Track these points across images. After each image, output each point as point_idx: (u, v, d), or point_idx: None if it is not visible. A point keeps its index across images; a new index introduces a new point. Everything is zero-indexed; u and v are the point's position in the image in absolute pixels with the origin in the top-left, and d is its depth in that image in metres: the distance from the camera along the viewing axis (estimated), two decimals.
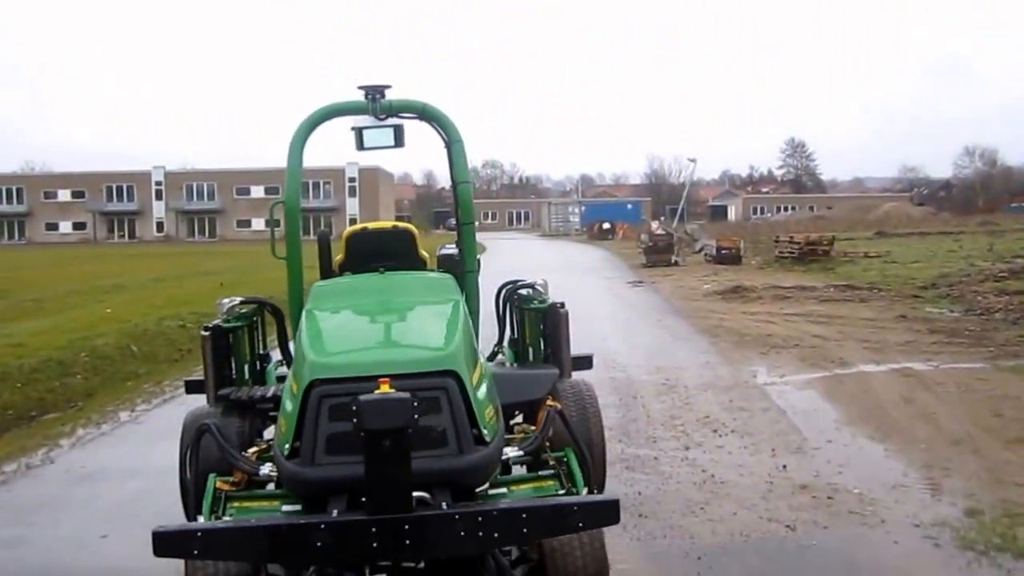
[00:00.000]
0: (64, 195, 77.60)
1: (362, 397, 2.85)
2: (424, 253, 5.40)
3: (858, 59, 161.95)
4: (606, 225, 56.15)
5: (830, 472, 5.58)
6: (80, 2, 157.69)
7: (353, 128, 5.10)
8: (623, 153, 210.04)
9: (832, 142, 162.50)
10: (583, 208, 76.15)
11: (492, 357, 5.69)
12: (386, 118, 4.98)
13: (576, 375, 4.88)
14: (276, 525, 3.05)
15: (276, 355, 5.64)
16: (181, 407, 8.18)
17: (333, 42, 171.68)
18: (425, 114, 5.04)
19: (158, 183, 77.19)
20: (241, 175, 76.91)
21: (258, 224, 75.52)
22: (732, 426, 6.76)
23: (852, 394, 7.81)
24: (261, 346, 5.48)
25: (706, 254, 26.27)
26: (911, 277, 17.33)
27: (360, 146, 5.12)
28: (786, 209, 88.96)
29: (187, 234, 76.45)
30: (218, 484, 3.61)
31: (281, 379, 5.06)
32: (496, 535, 3.03)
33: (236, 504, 3.49)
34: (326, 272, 5.38)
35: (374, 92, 4.96)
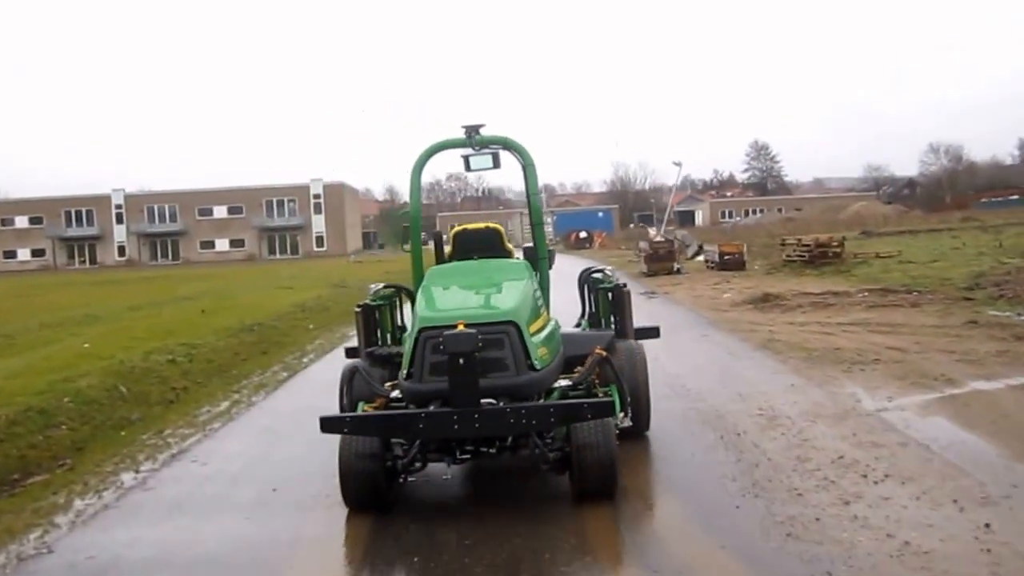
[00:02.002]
0: (22, 221, 75.19)
1: (445, 332, 4.88)
2: (509, 245, 7.31)
3: (816, 61, 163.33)
4: (583, 234, 55.33)
5: None
6: (31, 25, 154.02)
7: (462, 156, 7.01)
8: (584, 162, 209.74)
9: (790, 144, 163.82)
10: (555, 218, 75.18)
11: (577, 326, 7.84)
12: (480, 148, 6.92)
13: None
14: (396, 414, 5.32)
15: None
16: (193, 465, 6.90)
17: (280, 57, 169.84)
18: (507, 145, 6.98)
19: (118, 206, 75.01)
20: (203, 195, 75.03)
21: (222, 245, 73.77)
22: (880, 468, 5.58)
23: (989, 419, 6.68)
24: (399, 318, 7.72)
25: (708, 260, 25.26)
26: (943, 278, 16.36)
27: (468, 168, 7.13)
28: (754, 212, 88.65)
29: (150, 257, 74.29)
30: (364, 407, 5.63)
31: None
32: (534, 422, 5.00)
33: None
34: (439, 259, 7.42)
35: (472, 130, 6.87)
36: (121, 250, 74.83)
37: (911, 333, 10.78)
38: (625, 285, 7.17)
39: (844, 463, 5.74)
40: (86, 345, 13.30)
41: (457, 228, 7.52)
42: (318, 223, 75.82)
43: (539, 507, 5.37)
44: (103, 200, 74.71)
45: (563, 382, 5.73)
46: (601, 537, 4.86)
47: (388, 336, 7.28)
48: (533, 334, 5.41)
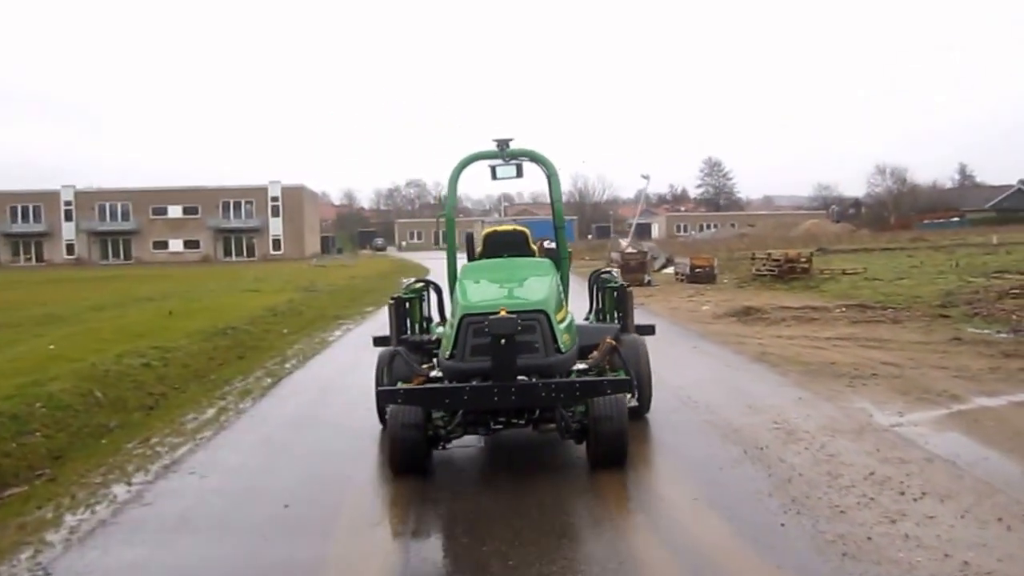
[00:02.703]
0: None
1: (490, 316, 5.79)
2: (533, 246, 8.10)
3: (770, 81, 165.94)
4: (548, 243, 54.94)
5: None
6: None
7: (489, 167, 7.88)
8: (540, 172, 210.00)
9: (742, 162, 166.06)
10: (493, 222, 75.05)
11: (585, 320, 8.54)
12: (509, 160, 7.79)
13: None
14: (443, 387, 6.09)
15: (436, 317, 8.57)
16: (192, 477, 6.53)
17: (239, 58, 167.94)
18: (533, 158, 7.94)
19: (68, 203, 72.97)
20: (157, 194, 73.42)
21: (176, 245, 72.21)
22: (914, 485, 5.48)
23: (1005, 436, 6.65)
24: (427, 310, 8.49)
25: (678, 273, 25.26)
26: (914, 295, 16.51)
27: (494, 177, 7.96)
28: (709, 227, 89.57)
29: (100, 256, 72.35)
30: (403, 387, 6.34)
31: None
32: (562, 395, 5.95)
33: None
34: (471, 257, 8.19)
35: (503, 143, 7.75)
36: (70, 248, 72.84)
37: (900, 349, 10.79)
38: (628, 285, 8.30)
39: (877, 479, 5.63)
40: (51, 347, 12.74)
41: (488, 230, 8.32)
42: (276, 226, 74.59)
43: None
44: (52, 196, 72.66)
45: (580, 365, 6.56)
46: (646, 554, 4.66)
47: (416, 326, 8.15)
48: (559, 322, 6.32)
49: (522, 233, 8.12)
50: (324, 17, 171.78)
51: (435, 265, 46.62)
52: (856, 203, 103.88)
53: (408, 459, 6.12)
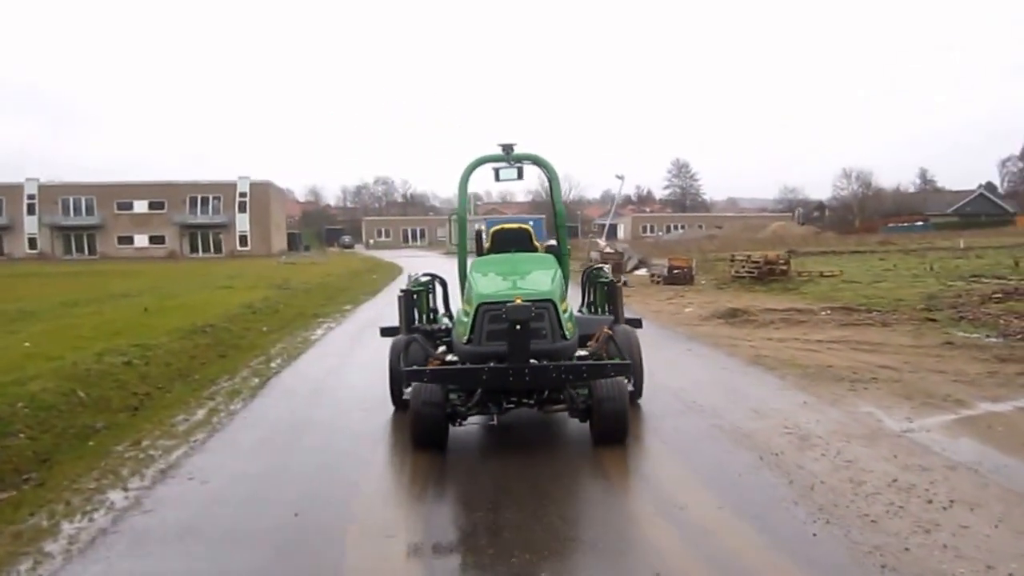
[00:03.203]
0: None
1: (507, 304, 6.35)
2: (537, 243, 8.81)
3: (737, 82, 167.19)
4: (551, 241, 54.68)
5: None
6: None
7: (494, 169, 8.56)
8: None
9: (706, 164, 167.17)
10: (487, 225, 74.66)
11: (579, 311, 9.10)
12: (513, 163, 8.47)
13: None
14: (464, 368, 6.68)
15: (442, 308, 9.42)
16: (192, 483, 6.27)
17: (206, 53, 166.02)
18: (536, 161, 8.60)
19: (31, 196, 71.42)
20: (122, 189, 72.10)
21: (141, 241, 71.01)
22: (941, 493, 5.40)
23: (1020, 442, 6.59)
24: (432, 302, 9.17)
25: (654, 274, 25.20)
26: (896, 298, 16.54)
27: (497, 179, 8.72)
28: (675, 228, 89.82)
29: (63, 251, 70.88)
30: (429, 367, 6.92)
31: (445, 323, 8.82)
32: (571, 376, 6.55)
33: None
34: (480, 252, 8.74)
35: (507, 148, 8.44)
36: (32, 242, 71.24)
37: (895, 352, 10.77)
38: (619, 280, 9.39)
39: (901, 487, 5.54)
40: (27, 344, 12.36)
41: (495, 228, 8.93)
42: (243, 222, 73.61)
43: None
44: (15, 189, 71.03)
45: (581, 352, 7.21)
46: (681, 569, 4.52)
47: (423, 317, 8.83)
48: (564, 311, 7.02)
49: (526, 231, 8.81)
50: (287, 13, 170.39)
51: (408, 263, 46.40)
52: (820, 206, 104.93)
53: (429, 434, 6.71)
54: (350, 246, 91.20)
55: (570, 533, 5.00)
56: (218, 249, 72.78)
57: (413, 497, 5.88)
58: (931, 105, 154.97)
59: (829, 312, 15.12)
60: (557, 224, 8.69)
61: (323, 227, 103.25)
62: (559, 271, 7.60)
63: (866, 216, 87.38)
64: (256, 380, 10.51)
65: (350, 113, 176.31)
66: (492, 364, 6.57)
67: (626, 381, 6.89)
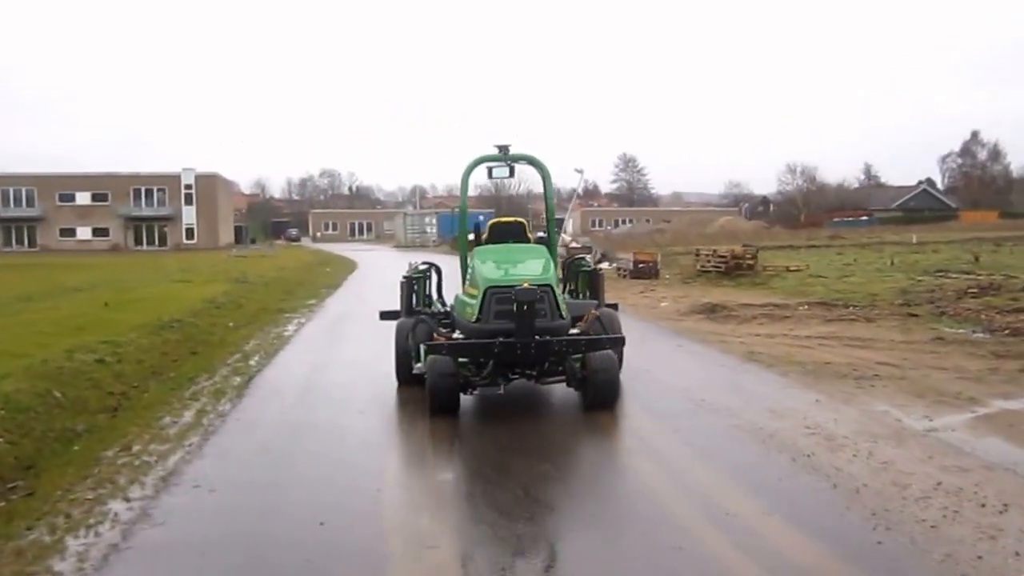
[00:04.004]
0: None
1: (516, 288, 7.38)
2: (530, 235, 9.44)
3: (681, 76, 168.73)
4: (472, 237, 54.36)
5: None
6: None
7: (480, 165, 9.29)
8: (454, 164, 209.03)
9: (651, 158, 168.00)
10: (438, 219, 73.87)
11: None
12: (508, 162, 9.25)
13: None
14: (478, 342, 7.60)
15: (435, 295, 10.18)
16: (198, 491, 5.84)
17: (152, 45, 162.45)
18: (530, 161, 9.40)
19: None
20: (64, 180, 69.89)
21: (84, 233, 68.93)
22: (990, 496, 5.27)
23: None
24: (428, 288, 9.94)
25: (620, 268, 25.10)
26: (870, 293, 16.63)
27: (490, 176, 9.59)
28: (623, 222, 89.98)
29: (3, 243, 68.38)
30: (422, 346, 8.13)
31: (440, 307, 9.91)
32: (571, 349, 7.64)
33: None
34: (478, 242, 9.37)
35: (504, 148, 9.18)
36: None
37: (889, 348, 10.72)
38: (600, 268, 10.58)
39: (948, 490, 5.39)
40: None
41: (493, 221, 9.72)
42: (189, 214, 71.81)
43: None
44: None
45: (573, 330, 8.17)
46: None
47: (420, 301, 9.66)
48: (559, 294, 8.05)
49: (521, 224, 9.48)
50: (229, 4, 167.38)
51: (360, 257, 45.76)
52: (764, 201, 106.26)
53: (444, 401, 7.60)
54: (297, 239, 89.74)
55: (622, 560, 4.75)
56: (163, 242, 71.00)
57: (441, 503, 5.57)
58: (872, 102, 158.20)
59: (807, 307, 15.11)
60: (548, 219, 9.62)
61: (269, 220, 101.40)
62: (551, 260, 8.44)
63: (811, 211, 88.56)
64: (238, 379, 10.06)
65: (294, 104, 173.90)
66: (502, 339, 7.51)
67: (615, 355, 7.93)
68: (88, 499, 5.76)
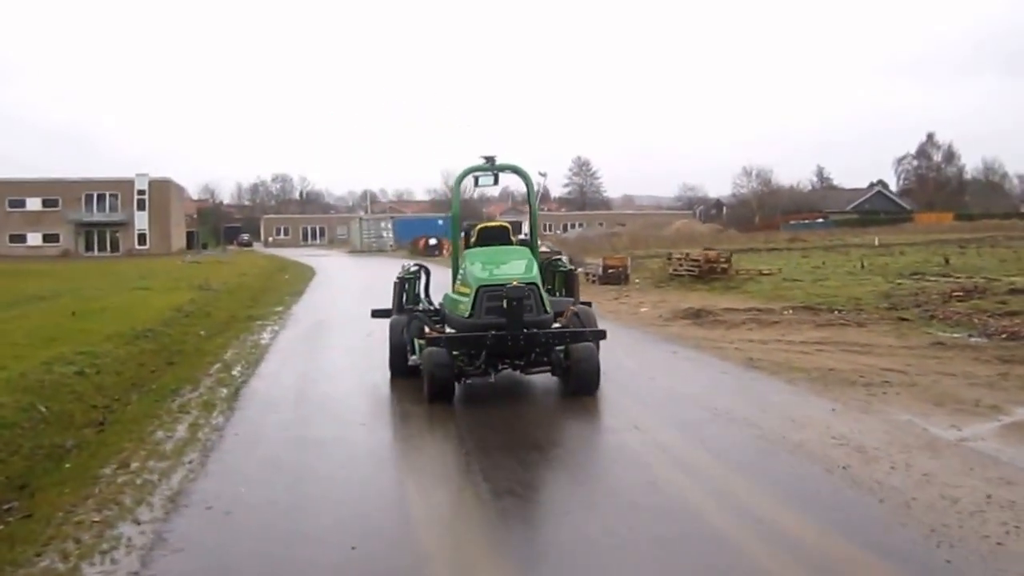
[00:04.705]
0: None
1: (507, 286, 8.32)
2: (514, 238, 10.16)
3: (633, 81, 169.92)
4: (432, 241, 54.13)
5: None
6: None
7: (473, 175, 9.99)
8: (407, 169, 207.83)
9: (602, 162, 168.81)
10: (394, 223, 73.25)
11: None
12: (494, 172, 9.98)
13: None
14: (473, 335, 8.42)
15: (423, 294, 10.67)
16: (212, 513, 5.47)
17: (102, 47, 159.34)
18: (515, 170, 10.39)
19: None
20: (13, 186, 68.17)
21: (35, 239, 67.18)
22: None
23: None
24: (418, 287, 10.58)
25: (589, 273, 24.91)
26: (852, 296, 16.64)
27: (476, 184, 10.22)
28: (577, 226, 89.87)
29: None
30: (418, 341, 9.06)
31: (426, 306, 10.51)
32: (556, 340, 8.58)
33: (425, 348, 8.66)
34: (468, 246, 9.87)
35: (490, 159, 9.87)
36: None
37: (890, 354, 10.64)
38: (575, 269, 11.30)
39: (1001, 503, 5.22)
40: None
41: (481, 226, 10.29)
42: (141, 220, 70.28)
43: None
44: None
45: (556, 324, 8.94)
46: None
47: (411, 299, 10.43)
48: (544, 292, 8.84)
49: (506, 228, 10.21)
50: (173, 6, 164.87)
51: (316, 263, 45.05)
52: (718, 204, 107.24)
53: (440, 390, 8.36)
54: (249, 244, 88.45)
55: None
56: (115, 248, 69.40)
57: (476, 523, 5.27)
58: (825, 104, 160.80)
59: (792, 312, 15.06)
60: (531, 223, 10.55)
61: (221, 225, 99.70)
62: (535, 261, 9.21)
63: (765, 213, 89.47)
64: (224, 390, 9.65)
65: (242, 108, 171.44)
66: (494, 332, 8.31)
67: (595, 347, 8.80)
68: (95, 521, 5.37)
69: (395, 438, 7.72)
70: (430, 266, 11.02)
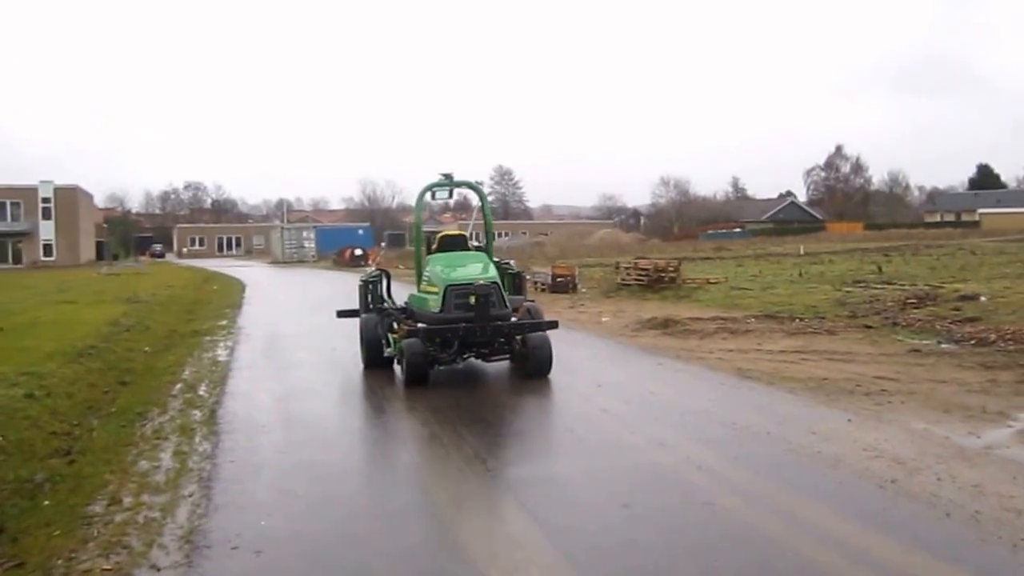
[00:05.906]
0: None
1: (473, 284, 9.99)
2: (471, 243, 11.92)
3: (554, 92, 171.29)
4: (358, 251, 53.17)
5: None
6: None
7: (431, 190, 11.83)
8: (324, 178, 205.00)
9: (521, 171, 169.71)
10: (316, 233, 71.76)
11: None
12: (451, 187, 11.98)
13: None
14: (446, 326, 9.88)
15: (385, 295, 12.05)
16: (240, 555, 4.90)
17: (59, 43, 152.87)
18: (470, 186, 12.67)
19: None
20: None
21: None
22: None
23: None
24: (380, 290, 12.00)
25: (539, 282, 24.67)
26: (807, 304, 16.75)
27: (433, 197, 12.21)
28: (503, 235, 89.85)
29: None
30: (391, 335, 10.83)
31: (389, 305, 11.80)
32: (517, 331, 10.27)
33: (398, 342, 10.32)
34: (430, 252, 11.29)
35: (448, 176, 11.71)
36: None
37: (872, 362, 10.62)
38: (522, 272, 12.68)
39: None
40: None
41: (442, 233, 11.80)
42: (47, 230, 67.23)
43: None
44: None
45: (514, 318, 10.38)
46: None
47: (376, 299, 11.83)
48: (503, 290, 10.32)
49: (463, 236, 11.79)
50: (77, 6, 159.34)
51: (240, 274, 43.70)
52: (636, 213, 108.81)
53: (416, 375, 9.79)
54: (162, 255, 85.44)
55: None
56: (18, 259, 66.17)
57: (537, 552, 4.88)
58: (739, 116, 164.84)
59: (755, 320, 15.05)
60: (487, 232, 12.00)
61: (131, 235, 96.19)
62: (492, 263, 10.75)
63: (684, 223, 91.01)
64: (198, 413, 9.02)
65: (152, 111, 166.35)
66: (465, 324, 9.77)
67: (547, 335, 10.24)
68: (106, 569, 4.80)
69: (409, 462, 7.26)
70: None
